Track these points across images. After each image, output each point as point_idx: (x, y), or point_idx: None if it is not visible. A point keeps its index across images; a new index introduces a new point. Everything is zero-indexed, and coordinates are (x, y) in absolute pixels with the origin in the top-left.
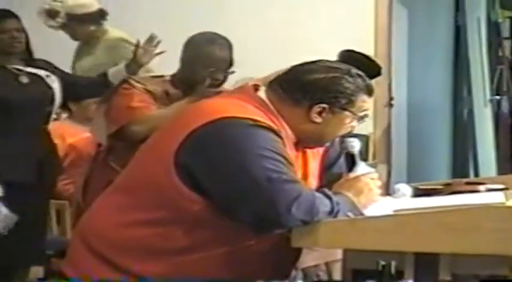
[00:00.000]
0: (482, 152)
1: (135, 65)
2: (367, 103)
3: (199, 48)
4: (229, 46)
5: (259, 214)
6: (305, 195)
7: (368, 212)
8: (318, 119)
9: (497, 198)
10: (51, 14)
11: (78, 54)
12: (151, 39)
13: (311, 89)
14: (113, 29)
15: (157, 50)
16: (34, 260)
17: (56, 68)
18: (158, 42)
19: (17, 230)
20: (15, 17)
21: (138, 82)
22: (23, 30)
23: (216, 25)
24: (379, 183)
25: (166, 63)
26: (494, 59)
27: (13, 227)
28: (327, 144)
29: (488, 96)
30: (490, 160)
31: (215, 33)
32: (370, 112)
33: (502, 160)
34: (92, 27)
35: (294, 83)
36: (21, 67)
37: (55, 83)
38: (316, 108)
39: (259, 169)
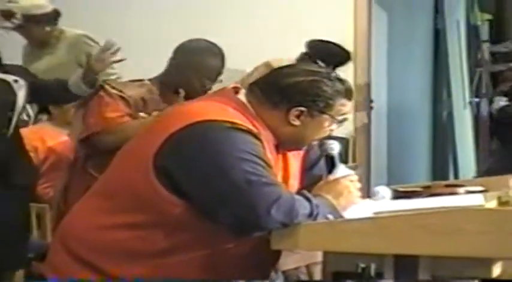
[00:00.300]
0: (461, 154)
1: (90, 73)
2: (346, 106)
3: (193, 56)
4: (222, 56)
5: (239, 217)
6: (285, 198)
7: (348, 214)
8: (297, 122)
9: (476, 200)
10: (6, 15)
11: (33, 56)
12: (106, 46)
13: (289, 92)
14: (70, 28)
15: (117, 57)
16: (21, 263)
17: (28, 73)
18: (117, 50)
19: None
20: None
21: (114, 88)
22: None
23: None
24: (358, 185)
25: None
26: (474, 62)
27: None
28: (305, 146)
29: (467, 99)
30: (469, 162)
31: (209, 41)
32: (350, 115)
33: (481, 162)
34: (48, 28)
35: (273, 86)
36: None
37: (22, 89)
38: (294, 111)
39: (238, 172)
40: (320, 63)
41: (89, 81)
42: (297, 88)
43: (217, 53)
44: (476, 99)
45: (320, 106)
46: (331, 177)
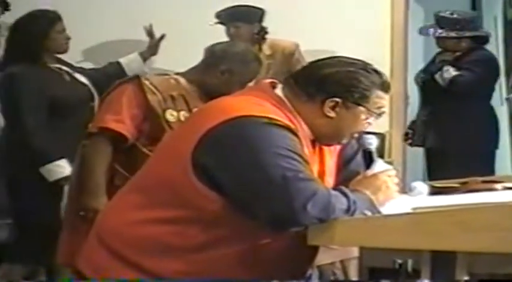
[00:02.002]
0: (498, 150)
1: (147, 55)
2: (383, 99)
3: (245, 66)
4: (259, 58)
5: (275, 212)
6: (321, 193)
7: (386, 210)
8: (332, 114)
9: None
10: None
11: None
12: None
13: (324, 82)
14: None
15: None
16: None
17: (71, 65)
18: (162, 36)
19: None
20: (59, 16)
21: (147, 79)
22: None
23: None
24: (396, 180)
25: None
26: (511, 58)
27: None
28: (344, 141)
29: (504, 95)
30: (506, 158)
31: (246, 45)
32: (386, 109)
33: None
34: None
35: (309, 78)
36: (59, 65)
37: (83, 79)
38: (330, 102)
39: (274, 167)
40: None
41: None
42: (333, 78)
43: (258, 57)
44: None
45: (356, 97)
46: (369, 172)
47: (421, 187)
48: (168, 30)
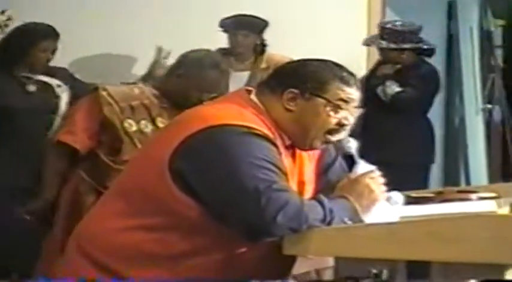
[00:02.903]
0: (473, 160)
1: (149, 78)
2: (345, 92)
3: (199, 69)
4: (222, 66)
5: (247, 223)
6: (292, 203)
7: (372, 217)
8: (292, 107)
9: (488, 206)
10: None
11: None
12: (160, 51)
13: (282, 74)
14: None
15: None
16: None
17: (72, 76)
18: (168, 53)
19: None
20: (56, 35)
21: (105, 90)
22: None
23: None
24: (381, 180)
25: None
26: (487, 68)
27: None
28: (319, 145)
29: (480, 105)
30: (481, 168)
31: (210, 52)
32: (350, 100)
33: (493, 168)
34: None
35: (272, 74)
36: (30, 75)
37: (64, 93)
38: (288, 94)
39: (248, 178)
40: None
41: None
42: (288, 70)
43: (218, 65)
44: (489, 106)
45: (311, 87)
46: (352, 174)
47: (397, 197)
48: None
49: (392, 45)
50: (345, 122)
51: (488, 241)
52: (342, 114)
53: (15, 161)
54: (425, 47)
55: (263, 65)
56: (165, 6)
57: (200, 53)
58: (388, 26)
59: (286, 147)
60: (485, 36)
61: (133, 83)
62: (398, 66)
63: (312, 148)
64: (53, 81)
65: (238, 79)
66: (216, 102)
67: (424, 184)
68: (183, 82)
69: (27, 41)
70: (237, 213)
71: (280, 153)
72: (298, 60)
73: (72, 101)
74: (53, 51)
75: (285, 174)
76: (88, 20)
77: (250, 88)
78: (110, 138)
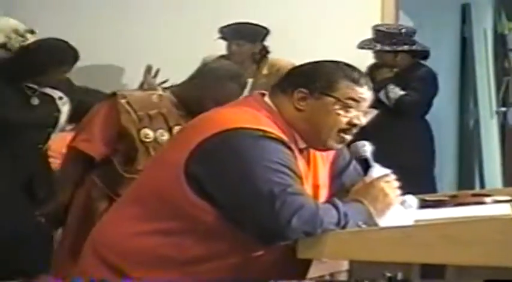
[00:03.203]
0: (488, 163)
1: None
2: (356, 91)
3: (218, 82)
4: (241, 79)
5: (261, 226)
6: (307, 207)
7: (386, 220)
8: (302, 106)
9: (503, 210)
10: None
11: None
12: (149, 70)
13: (293, 75)
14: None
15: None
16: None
17: (74, 87)
18: (157, 71)
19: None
20: (78, 58)
21: (124, 98)
22: None
23: None
24: (396, 184)
25: None
26: (501, 71)
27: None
28: (335, 145)
29: (494, 108)
30: (495, 171)
31: (235, 67)
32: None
33: (508, 171)
34: None
35: (284, 76)
36: (36, 87)
37: (65, 106)
38: (298, 94)
39: (263, 181)
40: None
41: None
42: (299, 71)
43: (236, 77)
44: (503, 108)
45: (320, 86)
46: (367, 178)
47: (411, 201)
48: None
49: (387, 48)
50: (356, 121)
51: (503, 244)
52: (353, 113)
53: (5, 172)
54: (419, 49)
55: (265, 72)
56: (167, 13)
57: (220, 64)
58: (382, 28)
59: (301, 151)
60: (499, 39)
61: (152, 89)
62: (396, 69)
63: (327, 148)
64: (55, 93)
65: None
66: (231, 106)
67: (432, 187)
68: (199, 91)
69: (52, 62)
70: (251, 217)
71: (295, 157)
72: (310, 62)
73: (78, 111)
74: (66, 72)
75: (300, 177)
76: (89, 26)
77: (264, 92)
78: (126, 147)
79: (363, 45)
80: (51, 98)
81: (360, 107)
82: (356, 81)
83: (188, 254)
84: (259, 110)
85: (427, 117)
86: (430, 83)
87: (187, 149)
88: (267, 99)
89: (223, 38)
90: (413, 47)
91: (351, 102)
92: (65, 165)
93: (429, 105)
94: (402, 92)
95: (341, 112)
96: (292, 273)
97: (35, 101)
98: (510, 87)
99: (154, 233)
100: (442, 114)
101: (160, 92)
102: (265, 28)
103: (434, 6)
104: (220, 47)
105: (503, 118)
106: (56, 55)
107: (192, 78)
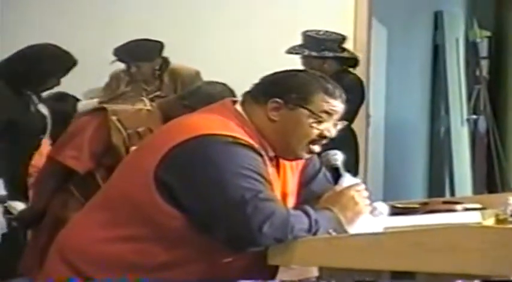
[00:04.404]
0: (458, 171)
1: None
2: (329, 104)
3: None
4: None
5: (232, 232)
6: (278, 214)
7: (356, 228)
8: (275, 117)
9: (474, 218)
10: None
11: None
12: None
13: (267, 85)
14: None
15: None
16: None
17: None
18: None
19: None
20: (75, 65)
21: (115, 114)
22: None
23: None
24: (365, 193)
25: None
26: (472, 79)
27: None
28: (304, 155)
29: (465, 116)
30: (466, 179)
31: (225, 86)
32: (333, 112)
33: (478, 179)
34: None
35: (256, 85)
36: (32, 94)
37: (44, 110)
38: (272, 104)
39: (234, 188)
40: None
41: None
42: (273, 80)
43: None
44: (474, 116)
45: (295, 97)
46: (338, 187)
47: (382, 207)
48: None
49: (314, 54)
50: (327, 133)
51: (473, 252)
52: (324, 125)
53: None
54: (347, 56)
55: (166, 81)
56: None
57: (214, 88)
58: (312, 34)
59: (270, 159)
60: (471, 47)
61: (142, 101)
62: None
63: (296, 158)
64: (37, 101)
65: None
66: (200, 112)
67: None
68: (188, 112)
69: (56, 72)
70: (222, 223)
71: (265, 163)
72: (284, 71)
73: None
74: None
75: (270, 183)
76: (82, 26)
77: (235, 99)
78: (111, 162)
79: (291, 50)
80: (37, 105)
81: (331, 119)
82: (330, 94)
83: (155, 260)
84: (228, 117)
85: (397, 124)
86: (356, 92)
87: (157, 155)
88: (238, 106)
89: (120, 60)
90: (342, 54)
91: (324, 115)
92: (45, 176)
93: (355, 113)
94: None
95: (314, 124)
96: (260, 279)
97: (32, 108)
98: (481, 95)
99: (121, 239)
100: (413, 122)
101: (149, 107)
102: (159, 42)
103: (407, 13)
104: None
105: (473, 126)
106: (60, 65)
107: (181, 98)
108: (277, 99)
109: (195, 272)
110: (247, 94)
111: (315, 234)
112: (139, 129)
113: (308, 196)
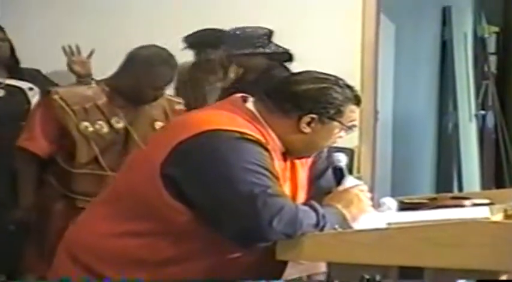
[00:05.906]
0: (466, 167)
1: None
2: (354, 113)
3: (150, 67)
4: (173, 62)
5: (241, 228)
6: (288, 209)
7: (359, 224)
8: (307, 130)
9: (482, 213)
10: None
11: None
12: (71, 51)
13: (300, 99)
14: None
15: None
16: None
17: (44, 77)
18: (91, 53)
19: None
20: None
21: (57, 94)
22: (6, 39)
23: None
24: (368, 194)
25: None
26: (480, 74)
27: None
28: (314, 154)
29: (473, 111)
30: (474, 175)
31: (160, 48)
32: (356, 123)
33: (486, 175)
34: None
35: (283, 94)
36: (0, 79)
37: (36, 96)
38: (306, 119)
39: (243, 183)
40: None
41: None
42: (308, 95)
43: (173, 64)
44: (482, 112)
45: (331, 113)
46: (341, 188)
47: (390, 203)
48: None
49: (246, 51)
50: (343, 136)
51: (481, 247)
52: (344, 132)
53: None
54: (275, 51)
55: (232, 76)
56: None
57: (149, 50)
58: (235, 32)
59: (282, 153)
60: (479, 43)
61: (85, 83)
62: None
63: (306, 157)
64: (24, 84)
65: (213, 91)
66: (209, 108)
67: None
68: (135, 80)
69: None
70: (231, 218)
71: (272, 158)
72: (314, 79)
73: None
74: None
75: (277, 178)
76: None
77: (245, 95)
78: (68, 142)
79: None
80: (20, 90)
81: (354, 124)
82: (357, 103)
83: (161, 255)
84: (236, 113)
85: (405, 120)
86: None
87: (164, 151)
88: (250, 105)
89: (189, 47)
90: (268, 50)
91: (350, 124)
92: (18, 168)
93: None
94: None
95: (341, 134)
96: (267, 275)
97: (0, 92)
98: (489, 90)
99: (127, 233)
100: (422, 117)
101: (94, 85)
102: (221, 30)
103: (415, 9)
104: None
105: (482, 121)
106: None
107: (123, 67)
108: (313, 115)
109: (203, 267)
110: (264, 95)
111: (322, 229)
112: (86, 105)
113: (317, 191)
